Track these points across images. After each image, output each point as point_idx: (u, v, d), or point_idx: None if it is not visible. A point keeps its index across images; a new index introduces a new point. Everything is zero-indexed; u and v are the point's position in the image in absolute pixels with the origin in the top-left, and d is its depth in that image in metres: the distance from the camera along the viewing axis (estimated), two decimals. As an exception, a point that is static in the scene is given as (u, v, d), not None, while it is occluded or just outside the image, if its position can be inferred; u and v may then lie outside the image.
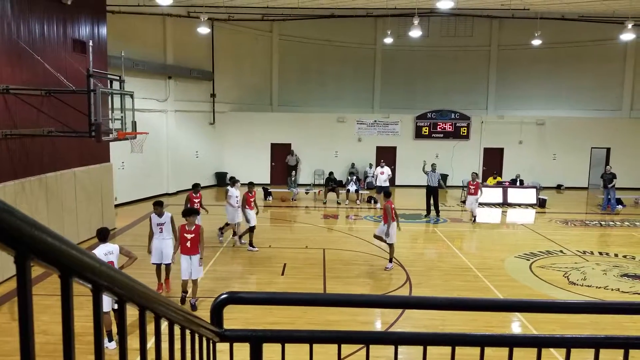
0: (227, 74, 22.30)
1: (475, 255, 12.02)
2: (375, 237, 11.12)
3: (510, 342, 1.84)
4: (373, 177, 22.02)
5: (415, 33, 17.17)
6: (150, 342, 1.70)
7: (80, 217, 12.47)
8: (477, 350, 1.80)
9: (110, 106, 11.12)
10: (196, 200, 11.99)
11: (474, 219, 16.03)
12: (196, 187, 12.42)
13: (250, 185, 12.43)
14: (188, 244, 8.34)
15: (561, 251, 12.46)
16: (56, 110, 10.88)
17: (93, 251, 6.93)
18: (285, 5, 18.33)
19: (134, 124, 11.81)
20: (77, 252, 0.82)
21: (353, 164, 22.89)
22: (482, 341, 1.86)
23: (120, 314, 1.09)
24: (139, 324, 1.29)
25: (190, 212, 8.63)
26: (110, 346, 6.58)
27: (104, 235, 7.06)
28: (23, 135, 10.17)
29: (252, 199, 12.12)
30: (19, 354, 0.77)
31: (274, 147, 23.51)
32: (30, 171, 10.53)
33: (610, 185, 18.12)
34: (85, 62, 10.85)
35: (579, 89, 24.73)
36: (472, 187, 15.92)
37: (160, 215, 9.07)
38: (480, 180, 16.94)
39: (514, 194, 19.53)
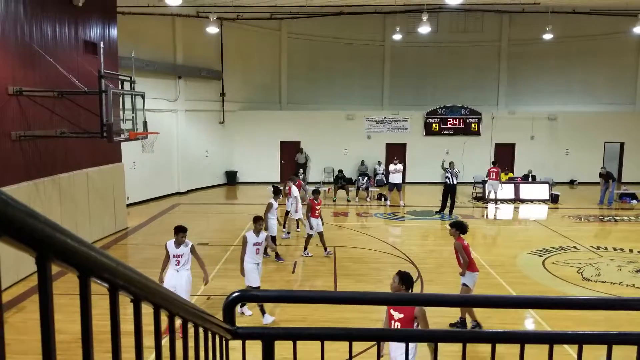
0: (236, 73, 22.37)
1: (487, 251, 11.95)
2: None
3: (522, 338, 1.84)
4: (383, 174, 22.00)
5: (425, 29, 17.11)
6: (165, 339, 1.73)
7: (93, 217, 12.60)
8: (488, 347, 1.81)
9: (121, 107, 11.22)
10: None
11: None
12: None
13: (316, 192, 11.98)
14: None
15: (575, 247, 12.35)
16: (68, 112, 11.00)
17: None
18: (294, 3, 18.34)
19: (144, 124, 11.89)
20: (96, 254, 0.84)
21: (363, 162, 22.85)
22: (493, 338, 1.87)
23: (135, 313, 1.12)
24: (153, 322, 1.32)
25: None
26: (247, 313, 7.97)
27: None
28: (36, 136, 10.29)
29: (317, 207, 11.60)
30: (35, 352, 0.79)
31: (283, 145, 23.55)
32: (43, 172, 10.65)
33: (611, 181, 18.06)
34: (96, 63, 10.95)
35: (591, 84, 24.44)
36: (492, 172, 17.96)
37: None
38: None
39: (526, 190, 19.37)
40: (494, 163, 18.93)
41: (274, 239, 11.09)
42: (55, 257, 0.72)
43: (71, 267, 0.79)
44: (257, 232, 7.89)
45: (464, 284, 7.48)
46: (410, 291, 5.15)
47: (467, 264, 7.48)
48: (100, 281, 0.90)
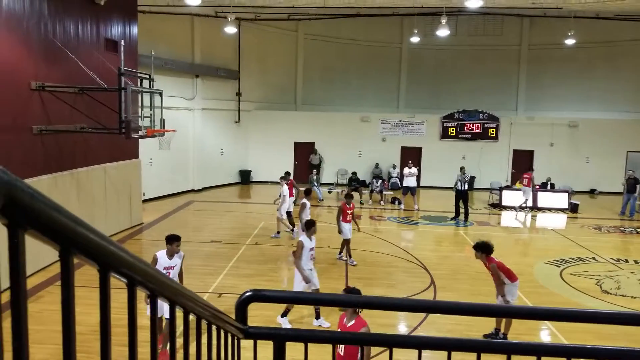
0: (253, 73, 22.49)
1: (504, 260, 11.73)
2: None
3: (538, 350, 1.81)
4: (398, 177, 21.89)
5: (443, 32, 17.00)
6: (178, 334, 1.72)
7: (109, 211, 12.76)
8: (503, 358, 1.78)
9: (140, 104, 11.35)
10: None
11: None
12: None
13: (348, 196, 11.47)
14: None
15: (594, 258, 12.12)
16: (88, 108, 11.16)
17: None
18: (311, 4, 18.37)
19: (162, 121, 12.02)
20: (116, 249, 0.85)
21: (377, 164, 22.77)
22: (509, 349, 1.84)
23: (152, 308, 1.13)
24: (169, 318, 1.32)
25: None
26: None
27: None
28: (57, 131, 10.46)
29: (349, 211, 11.13)
30: (51, 342, 0.80)
31: (298, 145, 23.59)
32: (62, 166, 10.83)
33: (637, 193, 17.60)
34: (116, 61, 11.09)
35: (614, 90, 23.96)
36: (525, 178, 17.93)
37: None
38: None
39: (545, 198, 19.04)
40: (529, 168, 18.51)
41: None
42: (78, 251, 0.73)
43: (92, 262, 0.79)
44: (310, 236, 7.70)
45: (507, 301, 7.06)
46: (358, 312, 4.47)
47: (503, 284, 7.06)
48: (119, 276, 0.90)
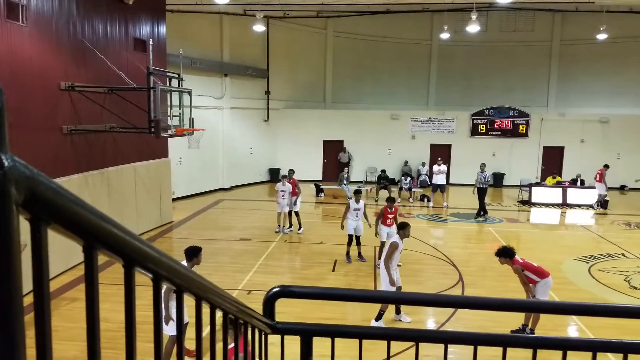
0: (282, 71, 22.57)
1: (532, 256, 11.42)
2: None
3: (564, 345, 1.78)
4: (427, 175, 21.65)
5: (473, 28, 16.70)
6: (205, 332, 1.77)
7: (139, 210, 13.01)
8: (529, 352, 1.76)
9: (169, 103, 11.52)
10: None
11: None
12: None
13: (390, 200, 10.97)
14: None
15: (623, 254, 11.80)
16: (118, 107, 11.33)
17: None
18: (340, 1, 18.31)
19: (191, 120, 12.15)
20: (140, 243, 0.86)
21: (406, 162, 22.58)
22: (535, 343, 1.81)
23: (178, 303, 1.15)
24: (195, 314, 1.35)
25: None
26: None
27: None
28: (87, 130, 10.63)
29: (390, 215, 10.70)
30: (82, 340, 0.82)
31: (326, 144, 23.59)
32: (93, 165, 11.00)
33: None
34: (145, 61, 11.23)
35: (647, 86, 23.15)
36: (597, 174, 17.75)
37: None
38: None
39: (574, 195, 18.59)
40: (605, 166, 17.99)
41: (351, 239, 11.02)
42: (101, 246, 0.75)
43: (116, 256, 0.81)
44: (403, 237, 7.82)
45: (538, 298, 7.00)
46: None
47: (528, 285, 7.02)
48: (144, 271, 0.92)
